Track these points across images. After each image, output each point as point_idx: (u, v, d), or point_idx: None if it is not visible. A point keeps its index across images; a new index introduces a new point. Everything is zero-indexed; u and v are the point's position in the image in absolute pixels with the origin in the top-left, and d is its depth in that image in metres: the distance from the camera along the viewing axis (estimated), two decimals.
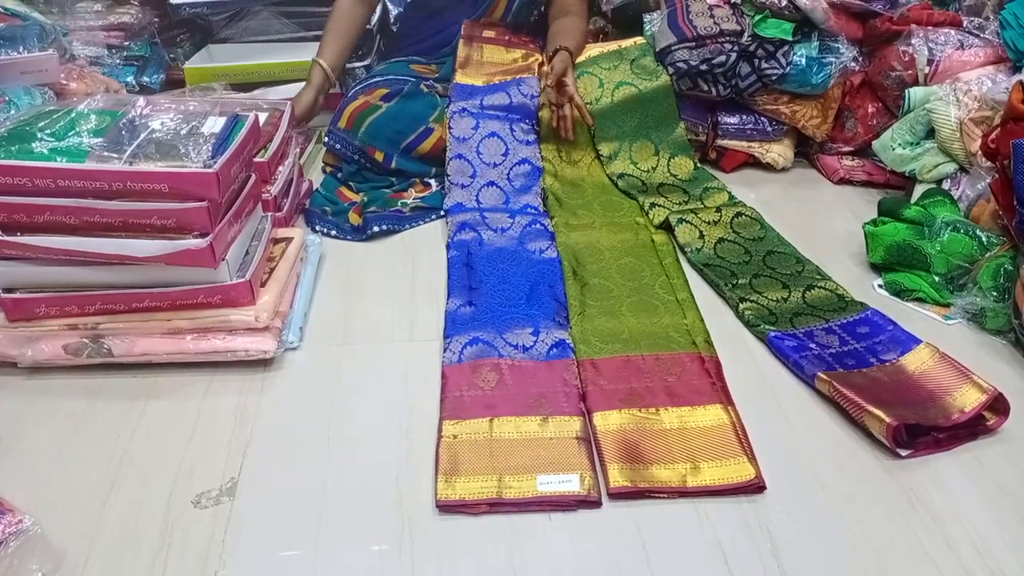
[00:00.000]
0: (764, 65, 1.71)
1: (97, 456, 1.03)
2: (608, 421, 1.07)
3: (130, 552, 0.90)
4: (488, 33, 1.91)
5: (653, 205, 1.62)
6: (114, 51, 2.04)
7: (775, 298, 1.33)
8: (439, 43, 1.92)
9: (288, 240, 1.36)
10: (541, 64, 1.87)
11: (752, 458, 1.00)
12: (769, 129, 1.81)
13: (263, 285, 1.22)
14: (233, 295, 1.16)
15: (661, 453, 1.02)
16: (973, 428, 1.05)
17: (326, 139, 1.77)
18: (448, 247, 1.48)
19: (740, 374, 1.17)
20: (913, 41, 1.67)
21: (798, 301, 1.32)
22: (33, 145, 1.08)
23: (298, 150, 1.67)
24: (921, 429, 1.02)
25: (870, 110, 1.79)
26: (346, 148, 1.73)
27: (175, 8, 2.07)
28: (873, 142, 1.71)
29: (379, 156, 1.70)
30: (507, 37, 1.92)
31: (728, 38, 1.71)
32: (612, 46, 1.85)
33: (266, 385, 1.16)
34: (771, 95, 1.77)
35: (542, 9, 1.95)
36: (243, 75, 2.01)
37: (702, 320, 1.28)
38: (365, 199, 1.66)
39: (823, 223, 1.63)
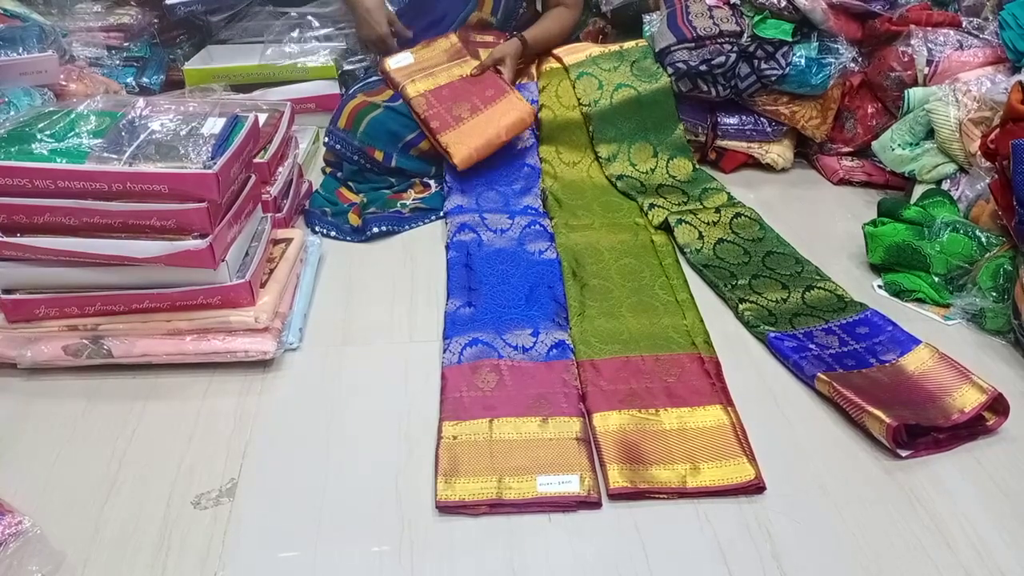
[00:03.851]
0: (763, 66, 1.71)
1: (97, 457, 1.03)
2: (608, 422, 1.07)
3: (130, 553, 0.90)
4: (484, 37, 1.92)
5: (652, 206, 1.62)
6: (114, 52, 2.04)
7: (774, 299, 1.33)
8: (434, 37, 1.93)
9: (288, 241, 1.36)
10: (538, 65, 1.88)
11: (752, 459, 1.00)
12: (768, 130, 1.81)
13: (263, 286, 1.22)
14: (233, 296, 1.16)
15: (661, 454, 1.02)
16: (973, 428, 1.05)
17: (325, 139, 1.77)
18: (447, 248, 1.48)
19: (740, 375, 1.17)
20: (912, 42, 1.67)
21: (797, 302, 1.32)
22: (33, 146, 1.08)
23: (298, 150, 1.67)
24: (921, 430, 1.02)
25: (869, 111, 1.79)
26: (346, 148, 1.73)
27: (171, 8, 2.07)
28: (872, 143, 1.71)
29: (379, 156, 1.70)
30: (501, 41, 1.92)
31: (727, 39, 1.71)
32: (614, 47, 1.85)
33: (266, 386, 1.16)
34: (770, 96, 1.77)
35: (532, 1, 1.96)
36: (243, 76, 2.01)
37: (702, 321, 1.28)
38: (364, 200, 1.66)
39: (823, 224, 1.63)
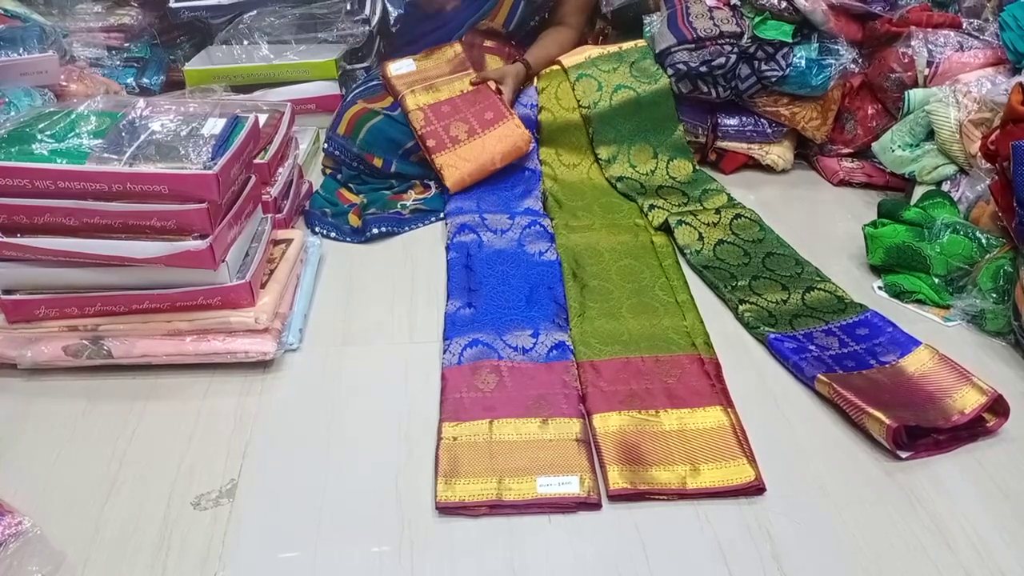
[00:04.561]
0: (764, 67, 1.71)
1: (97, 457, 1.03)
2: (608, 423, 1.07)
3: (129, 554, 0.90)
4: (489, 43, 1.92)
5: (652, 207, 1.62)
6: (114, 52, 2.04)
7: (774, 300, 1.33)
8: (437, 42, 1.92)
9: (288, 242, 1.37)
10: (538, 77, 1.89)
11: (752, 460, 1.00)
12: (769, 131, 1.81)
13: (263, 287, 1.22)
14: (233, 296, 1.16)
15: (661, 455, 1.02)
16: (973, 430, 1.05)
17: (325, 145, 1.77)
18: (448, 248, 1.48)
19: (740, 376, 1.17)
20: (912, 43, 1.67)
21: (797, 303, 1.32)
22: (33, 146, 1.08)
23: (298, 151, 1.67)
24: (921, 431, 1.02)
25: (870, 112, 1.79)
26: (344, 154, 1.73)
27: (175, 12, 2.08)
28: (873, 144, 1.71)
29: (378, 163, 1.70)
30: (507, 49, 1.93)
31: (728, 40, 1.71)
32: (612, 48, 1.85)
33: (266, 386, 1.16)
34: (771, 97, 1.77)
35: (545, 16, 1.95)
36: (243, 77, 2.01)
37: (702, 322, 1.28)
38: (365, 201, 1.66)
39: (823, 225, 1.63)
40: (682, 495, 0.97)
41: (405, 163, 1.72)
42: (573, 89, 1.81)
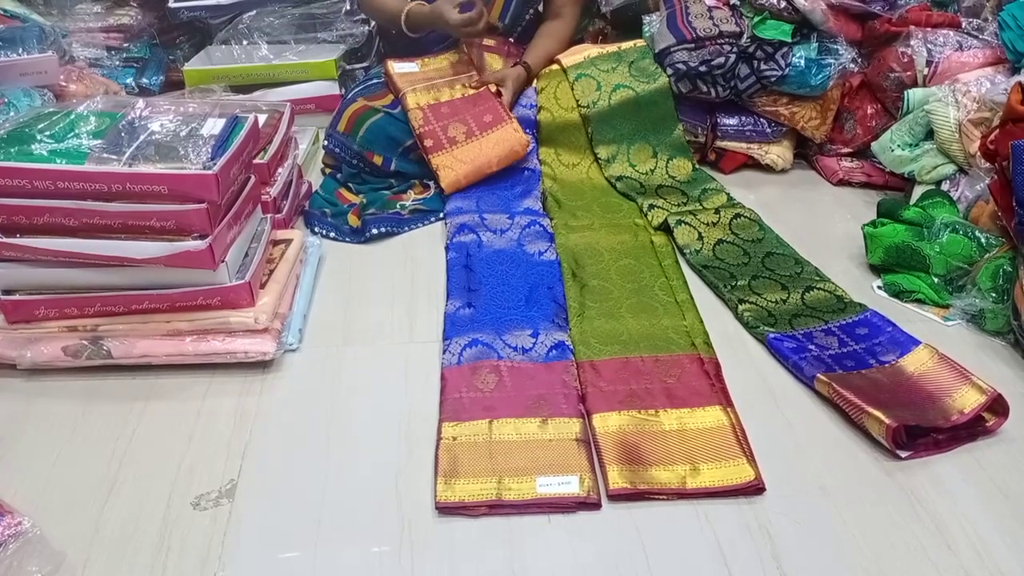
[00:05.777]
0: (763, 66, 1.71)
1: (96, 458, 1.03)
2: (607, 423, 1.07)
3: (129, 554, 0.90)
4: (488, 42, 1.92)
5: (652, 207, 1.62)
6: (113, 53, 2.05)
7: (774, 299, 1.33)
8: (435, 40, 1.92)
9: (288, 242, 1.37)
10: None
11: (751, 460, 1.00)
12: (768, 130, 1.81)
13: (262, 287, 1.22)
14: (232, 297, 1.16)
15: (660, 455, 1.02)
16: (972, 429, 1.05)
17: (325, 142, 1.77)
18: (447, 249, 1.48)
19: (739, 376, 1.17)
20: (912, 42, 1.67)
21: (797, 302, 1.32)
22: (32, 147, 1.08)
23: (295, 148, 1.67)
24: (920, 430, 1.02)
25: (869, 111, 1.79)
26: (344, 152, 1.73)
27: (174, 12, 2.08)
28: (872, 143, 1.71)
29: (378, 160, 1.70)
30: (506, 47, 1.93)
31: (727, 39, 1.71)
32: (611, 48, 1.85)
33: (265, 387, 1.16)
34: (770, 96, 1.77)
35: (539, 8, 1.96)
36: (242, 77, 2.01)
37: (701, 321, 1.28)
38: (364, 201, 1.66)
39: (822, 224, 1.63)
40: (682, 495, 0.97)
41: (405, 161, 1.72)
42: (572, 89, 1.81)
